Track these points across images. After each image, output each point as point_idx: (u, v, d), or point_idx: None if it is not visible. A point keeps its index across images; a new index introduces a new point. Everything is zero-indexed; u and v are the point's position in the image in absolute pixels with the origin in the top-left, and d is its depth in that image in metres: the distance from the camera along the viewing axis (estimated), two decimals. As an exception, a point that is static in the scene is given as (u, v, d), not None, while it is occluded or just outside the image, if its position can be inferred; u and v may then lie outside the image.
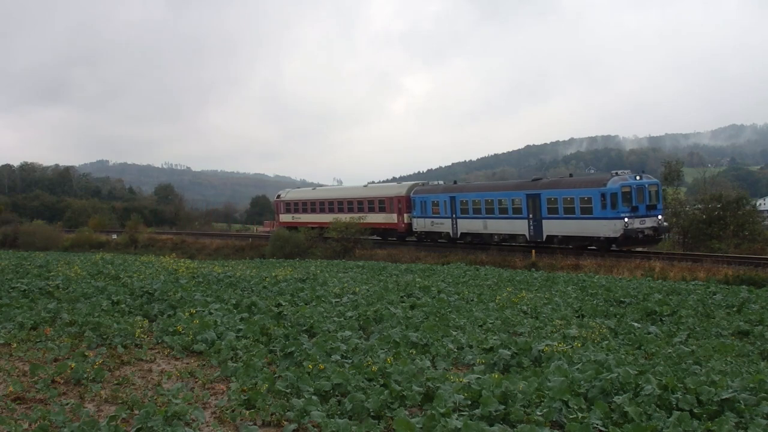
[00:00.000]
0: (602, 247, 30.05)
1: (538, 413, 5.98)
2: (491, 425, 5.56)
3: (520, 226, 33.05)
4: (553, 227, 31.35)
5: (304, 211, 48.74)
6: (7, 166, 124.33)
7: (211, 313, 11.11)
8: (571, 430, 5.40)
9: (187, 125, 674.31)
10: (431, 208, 38.45)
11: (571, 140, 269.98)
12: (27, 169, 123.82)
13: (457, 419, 5.50)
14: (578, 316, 13.82)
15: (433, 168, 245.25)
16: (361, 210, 43.46)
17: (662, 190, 32.52)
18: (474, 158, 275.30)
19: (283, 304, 12.58)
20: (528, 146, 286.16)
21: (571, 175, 36.10)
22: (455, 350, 9.16)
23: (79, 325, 9.80)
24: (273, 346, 8.82)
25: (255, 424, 5.72)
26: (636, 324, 12.49)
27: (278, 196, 52.81)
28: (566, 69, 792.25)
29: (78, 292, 13.40)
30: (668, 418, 5.79)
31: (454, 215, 37.05)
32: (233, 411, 5.98)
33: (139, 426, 5.33)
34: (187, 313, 10.95)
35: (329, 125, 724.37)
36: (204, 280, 17.43)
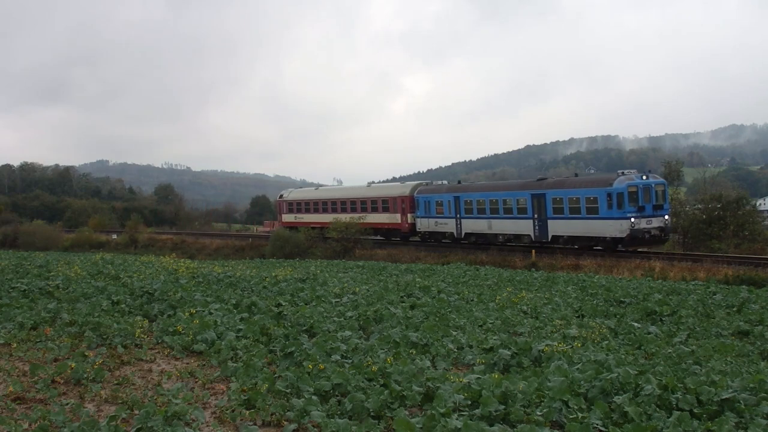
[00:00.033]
0: (608, 247, 29.83)
1: (538, 413, 5.97)
2: (491, 425, 5.56)
3: (524, 226, 32.84)
4: (558, 227, 31.15)
5: (307, 211, 48.55)
6: (7, 166, 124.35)
7: (211, 313, 11.11)
8: (571, 430, 5.40)
9: (187, 125, 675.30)
10: (435, 208, 38.26)
11: (571, 140, 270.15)
12: (27, 169, 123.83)
13: (457, 419, 5.50)
14: (578, 316, 13.82)
15: (433, 168, 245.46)
16: (364, 210, 43.31)
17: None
18: (474, 158, 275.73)
19: (283, 304, 12.58)
20: (528, 146, 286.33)
21: (576, 175, 35.95)
22: (455, 350, 9.16)
23: (79, 325, 9.80)
24: (273, 346, 8.82)
25: (255, 424, 5.72)
26: (636, 324, 12.49)
27: (281, 196, 52.56)
28: (566, 69, 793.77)
29: (78, 292, 13.40)
30: (668, 418, 5.79)
31: (458, 215, 36.84)
32: (233, 411, 5.98)
33: (139, 426, 5.33)
34: (187, 313, 10.95)
35: (329, 125, 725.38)
36: (204, 280, 17.43)
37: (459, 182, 44.39)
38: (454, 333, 10.41)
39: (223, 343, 8.71)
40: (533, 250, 31.92)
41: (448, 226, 37.54)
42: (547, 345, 8.91)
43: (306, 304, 12.94)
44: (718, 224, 34.88)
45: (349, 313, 11.92)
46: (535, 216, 32.15)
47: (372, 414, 5.98)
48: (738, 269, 24.28)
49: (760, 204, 58.84)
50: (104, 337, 9.18)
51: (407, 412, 6.06)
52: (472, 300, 15.56)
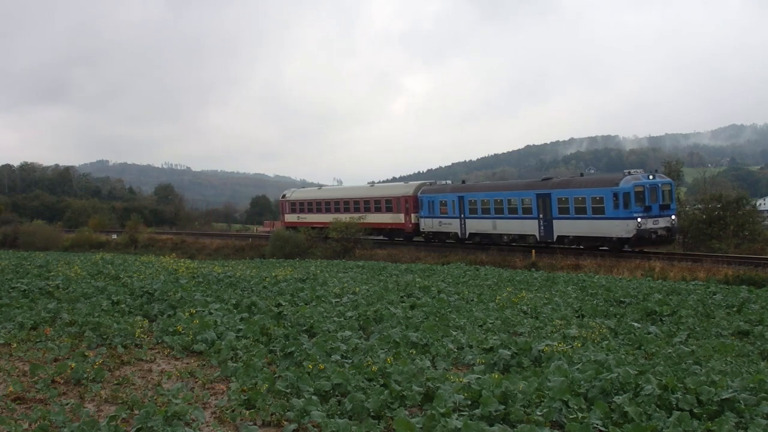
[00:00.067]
0: (614, 247, 29.68)
1: (538, 413, 5.98)
2: (491, 425, 5.56)
3: (530, 227, 32.66)
4: (563, 227, 30.96)
5: (310, 210, 48.37)
6: (7, 166, 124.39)
7: (211, 313, 11.11)
8: (571, 430, 5.41)
9: (187, 125, 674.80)
10: (439, 208, 38.06)
11: (571, 140, 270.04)
12: (27, 169, 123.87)
13: (457, 419, 5.50)
14: (578, 316, 13.83)
15: (433, 168, 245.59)
16: (367, 210, 43.18)
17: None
18: (474, 158, 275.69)
19: (283, 304, 12.59)
20: (528, 146, 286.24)
21: (582, 175, 35.73)
22: (455, 350, 9.16)
23: (79, 325, 9.80)
24: (273, 346, 8.82)
25: (255, 424, 5.72)
26: (636, 324, 12.50)
27: (283, 196, 52.34)
28: (566, 69, 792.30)
29: (78, 292, 13.40)
30: (668, 418, 5.79)
31: (462, 215, 36.64)
32: (233, 411, 5.99)
33: (139, 426, 5.33)
34: (187, 313, 10.96)
35: (329, 125, 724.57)
36: (204, 280, 17.44)
37: (463, 182, 44.22)
38: (454, 333, 10.42)
39: (223, 343, 8.71)
40: (533, 250, 31.88)
41: (453, 226, 37.36)
42: (547, 345, 8.92)
43: (306, 304, 12.94)
44: (718, 224, 34.88)
45: (349, 313, 11.93)
46: (541, 216, 31.95)
47: (372, 414, 5.98)
48: (738, 269, 24.29)
49: (760, 204, 58.82)
50: (104, 337, 9.18)
51: (407, 412, 6.06)
52: (472, 300, 15.56)
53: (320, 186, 62.13)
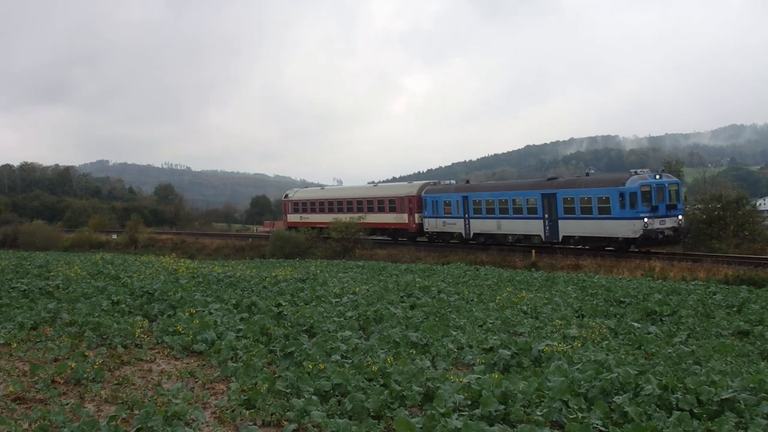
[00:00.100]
0: (620, 248, 29.51)
1: (538, 413, 5.98)
2: (491, 425, 5.56)
3: (535, 227, 32.43)
4: (569, 227, 30.72)
5: (313, 210, 48.20)
6: (7, 166, 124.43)
7: (211, 313, 11.11)
8: (571, 430, 5.40)
9: (187, 125, 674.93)
10: (443, 208, 37.89)
11: (571, 140, 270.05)
12: (27, 169, 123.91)
13: (457, 419, 5.50)
14: (578, 316, 13.83)
15: (433, 168, 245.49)
16: (370, 210, 43.06)
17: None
18: (474, 158, 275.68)
19: (283, 304, 12.59)
20: (528, 146, 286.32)
21: (587, 174, 35.56)
22: (455, 350, 9.16)
23: (79, 325, 9.80)
24: (273, 346, 8.82)
25: (255, 424, 5.72)
26: (636, 324, 12.50)
27: (286, 196, 52.12)
28: (566, 69, 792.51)
29: (78, 292, 13.40)
30: (668, 418, 5.79)
31: (466, 215, 36.43)
32: (233, 411, 5.99)
33: (139, 426, 5.33)
34: (187, 313, 10.96)
35: (329, 125, 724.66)
36: (204, 280, 17.44)
37: (467, 182, 44.06)
38: (454, 333, 10.42)
39: (223, 343, 8.71)
40: (533, 250, 31.85)
41: (457, 226, 37.15)
42: (547, 345, 8.91)
43: (306, 304, 12.94)
44: (718, 224, 34.87)
45: (349, 313, 11.93)
46: (546, 216, 31.72)
47: (372, 414, 5.98)
48: (738, 269, 24.29)
49: (760, 204, 58.79)
50: (104, 337, 9.18)
51: (407, 412, 6.06)
52: (472, 300, 15.56)
53: (323, 186, 62.05)
